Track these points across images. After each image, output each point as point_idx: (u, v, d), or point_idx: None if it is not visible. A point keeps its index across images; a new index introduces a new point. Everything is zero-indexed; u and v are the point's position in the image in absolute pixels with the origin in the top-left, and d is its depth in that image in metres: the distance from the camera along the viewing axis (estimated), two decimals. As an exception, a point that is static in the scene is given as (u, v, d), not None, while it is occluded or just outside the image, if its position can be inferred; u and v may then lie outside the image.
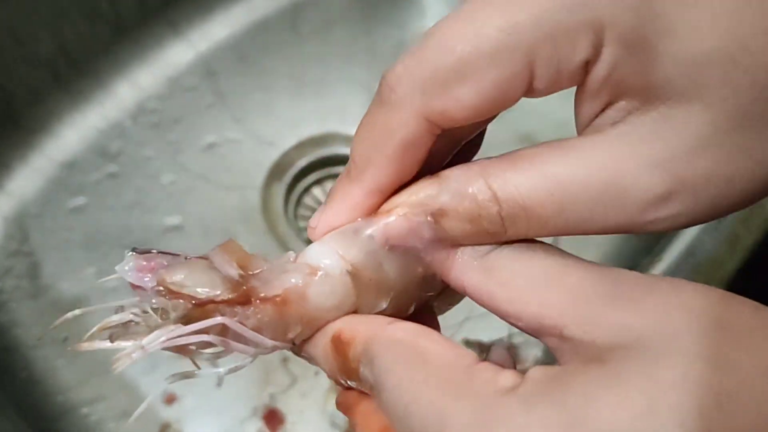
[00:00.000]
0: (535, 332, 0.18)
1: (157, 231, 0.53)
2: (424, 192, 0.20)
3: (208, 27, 0.60)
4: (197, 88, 0.59)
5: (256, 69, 0.60)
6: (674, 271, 0.34)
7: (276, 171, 0.57)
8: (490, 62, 0.17)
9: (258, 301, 0.20)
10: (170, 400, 0.48)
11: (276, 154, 0.57)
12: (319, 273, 0.20)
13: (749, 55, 0.16)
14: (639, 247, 0.46)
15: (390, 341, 0.19)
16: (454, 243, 0.20)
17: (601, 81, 0.18)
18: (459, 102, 0.18)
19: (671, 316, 0.16)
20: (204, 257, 0.21)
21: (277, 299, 0.20)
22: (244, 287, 0.20)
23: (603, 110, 0.18)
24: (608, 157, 0.18)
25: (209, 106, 0.58)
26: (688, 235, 0.35)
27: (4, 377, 0.47)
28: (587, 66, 0.18)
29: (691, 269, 0.35)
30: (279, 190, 0.56)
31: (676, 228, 0.19)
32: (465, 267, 0.20)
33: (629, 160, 0.18)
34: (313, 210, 0.56)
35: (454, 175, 0.19)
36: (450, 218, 0.19)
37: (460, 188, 0.19)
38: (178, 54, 0.59)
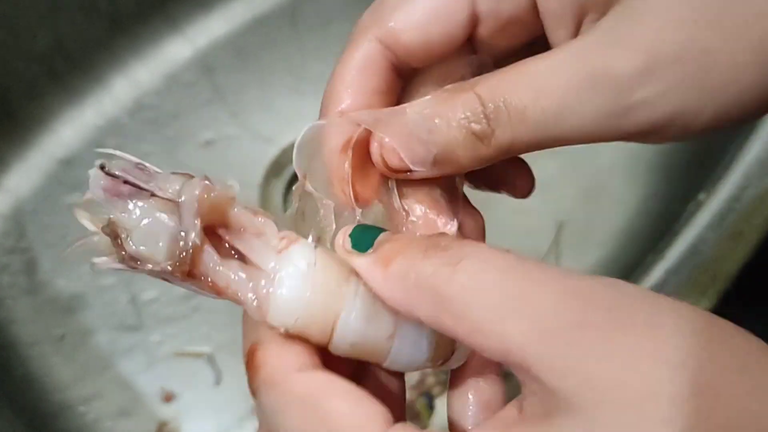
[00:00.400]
0: (504, 363, 0.17)
1: (155, 228, 0.54)
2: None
3: (206, 22, 0.60)
4: (195, 84, 0.59)
5: (254, 65, 0.60)
6: (678, 268, 0.34)
7: (275, 168, 0.57)
8: None
9: (205, 281, 0.20)
10: (168, 398, 0.48)
11: (275, 151, 0.57)
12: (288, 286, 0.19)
13: None
14: (642, 245, 0.46)
15: (289, 394, 0.18)
16: (451, 161, 0.20)
17: (557, 8, 0.19)
18: (404, 22, 0.20)
19: (643, 369, 0.15)
20: (173, 200, 0.20)
21: (227, 292, 0.20)
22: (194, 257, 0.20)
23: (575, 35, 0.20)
24: (581, 48, 0.18)
25: (207, 102, 0.59)
26: (692, 232, 0.35)
27: (1, 375, 0.47)
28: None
29: (694, 267, 0.35)
30: (278, 187, 0.57)
31: (671, 123, 0.18)
32: (414, 299, 0.18)
33: (604, 48, 0.18)
34: (312, 207, 0.57)
35: (448, 88, 0.20)
36: (442, 126, 0.19)
37: (451, 97, 0.20)
38: (176, 50, 0.59)
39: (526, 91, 0.18)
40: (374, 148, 0.20)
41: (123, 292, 0.52)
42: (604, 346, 0.15)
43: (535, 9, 0.20)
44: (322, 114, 0.22)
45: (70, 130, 0.56)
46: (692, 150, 0.51)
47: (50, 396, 0.48)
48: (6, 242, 0.52)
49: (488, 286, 0.17)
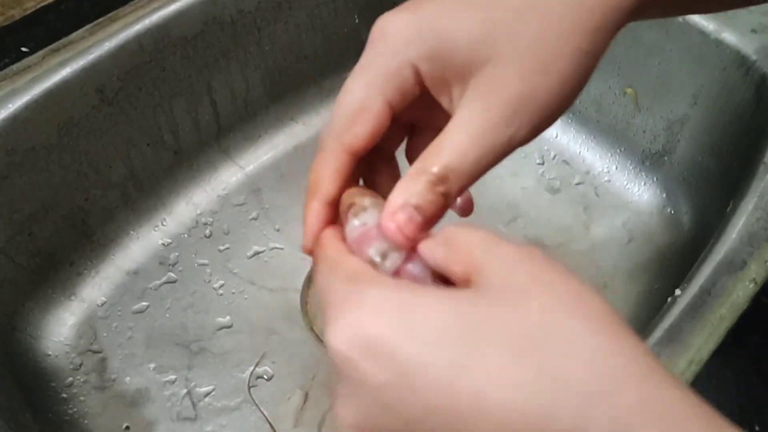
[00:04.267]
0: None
1: (210, 330, 0.60)
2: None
3: (254, 151, 0.68)
4: (244, 203, 0.66)
5: (295, 186, 0.67)
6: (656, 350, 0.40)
7: (313, 274, 0.63)
8: (364, 110, 0.28)
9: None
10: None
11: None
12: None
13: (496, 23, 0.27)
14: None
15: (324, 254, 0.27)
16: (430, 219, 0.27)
17: (435, 87, 0.28)
18: (357, 136, 0.28)
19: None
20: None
21: None
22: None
23: (451, 99, 0.28)
24: (468, 115, 0.27)
25: (254, 219, 0.65)
26: (668, 321, 0.41)
27: None
28: (419, 84, 0.28)
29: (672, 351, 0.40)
30: (316, 291, 0.62)
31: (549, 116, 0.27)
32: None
33: (480, 112, 0.26)
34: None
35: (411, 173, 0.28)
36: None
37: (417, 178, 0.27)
38: (228, 175, 0.67)
39: (453, 156, 0.27)
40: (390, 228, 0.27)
41: (181, 387, 0.57)
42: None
43: (426, 92, 0.28)
44: (309, 195, 0.29)
45: (138, 246, 0.62)
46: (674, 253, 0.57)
47: (117, 482, 0.52)
48: (80, 344, 0.58)
49: (472, 235, 0.25)
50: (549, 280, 0.23)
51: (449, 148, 0.26)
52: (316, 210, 0.29)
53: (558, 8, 0.26)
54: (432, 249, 0.26)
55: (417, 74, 0.28)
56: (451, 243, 0.25)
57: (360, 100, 0.28)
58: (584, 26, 0.27)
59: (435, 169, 0.26)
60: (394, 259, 0.26)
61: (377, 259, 0.26)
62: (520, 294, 0.22)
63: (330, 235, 0.28)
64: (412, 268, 0.26)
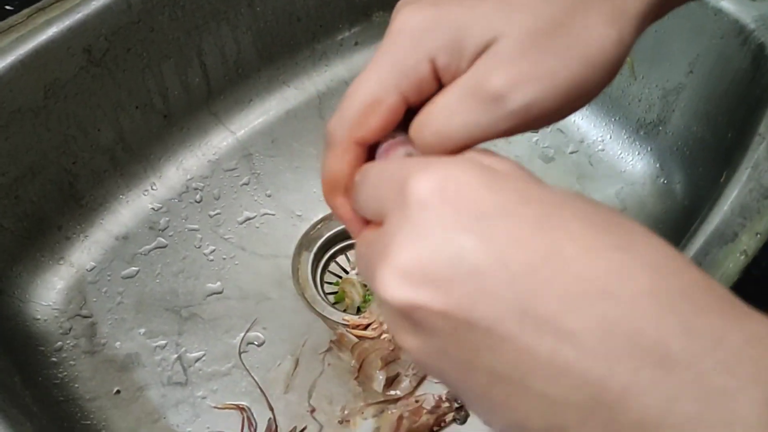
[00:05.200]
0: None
1: (200, 295, 0.60)
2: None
3: (245, 116, 0.67)
4: (236, 169, 0.65)
5: (287, 151, 0.67)
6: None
7: (305, 241, 0.63)
8: (378, 103, 0.27)
9: None
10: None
11: (305, 227, 0.63)
12: None
13: (516, 4, 0.26)
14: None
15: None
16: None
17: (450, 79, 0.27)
18: (370, 129, 0.27)
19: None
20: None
21: None
22: None
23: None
24: (459, 85, 0.26)
25: (246, 184, 0.65)
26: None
27: (66, 426, 0.51)
28: (437, 79, 0.27)
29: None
30: (307, 258, 0.62)
31: (543, 113, 0.26)
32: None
33: (473, 80, 0.26)
34: (338, 276, 0.63)
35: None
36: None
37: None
38: (219, 139, 0.66)
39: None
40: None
41: (171, 352, 0.57)
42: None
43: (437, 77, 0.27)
44: (331, 191, 0.29)
45: (127, 210, 0.62)
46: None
47: (108, 445, 0.53)
48: (70, 309, 0.57)
49: None
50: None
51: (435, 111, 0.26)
52: (346, 203, 0.28)
53: None
54: None
55: (434, 69, 0.27)
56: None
57: (375, 93, 0.27)
58: (612, 14, 0.26)
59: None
60: None
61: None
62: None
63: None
64: None
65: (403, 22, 0.27)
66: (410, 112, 0.28)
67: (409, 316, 0.21)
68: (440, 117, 0.26)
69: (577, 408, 0.20)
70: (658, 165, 0.65)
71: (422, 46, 0.26)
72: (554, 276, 0.20)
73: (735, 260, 0.44)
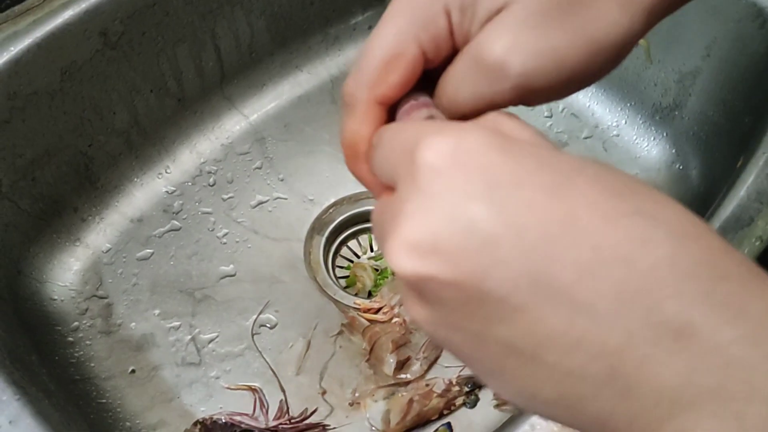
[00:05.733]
0: None
1: (213, 278, 0.60)
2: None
3: (258, 100, 0.68)
4: (248, 153, 0.66)
5: (299, 136, 0.67)
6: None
7: (317, 225, 0.63)
8: (398, 57, 0.26)
9: None
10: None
11: (317, 211, 0.63)
12: None
13: None
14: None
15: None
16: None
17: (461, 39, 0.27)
18: (391, 85, 0.27)
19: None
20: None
21: None
22: None
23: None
24: (466, 50, 0.26)
25: (258, 168, 0.65)
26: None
27: (82, 404, 0.52)
28: (452, 36, 0.27)
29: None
30: (319, 242, 0.62)
31: (541, 86, 0.25)
32: None
33: (478, 46, 0.25)
34: (349, 260, 0.63)
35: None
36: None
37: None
38: (233, 124, 0.66)
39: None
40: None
41: (185, 333, 0.58)
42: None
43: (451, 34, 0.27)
44: (353, 156, 0.28)
45: (141, 193, 0.62)
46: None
47: (123, 423, 0.53)
48: (86, 290, 0.58)
49: None
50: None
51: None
52: (368, 168, 0.27)
53: None
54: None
55: (450, 24, 0.26)
56: (504, 132, 0.24)
57: (394, 47, 0.26)
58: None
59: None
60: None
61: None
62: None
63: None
64: None
65: None
66: (428, 77, 0.28)
67: (420, 288, 0.21)
68: (451, 85, 0.26)
69: (594, 379, 0.20)
70: (673, 150, 0.64)
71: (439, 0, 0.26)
72: (570, 245, 0.19)
73: (751, 245, 0.44)
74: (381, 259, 0.62)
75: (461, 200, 0.20)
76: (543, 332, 0.20)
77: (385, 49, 0.26)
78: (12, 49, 0.52)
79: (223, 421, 0.52)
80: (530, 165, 0.21)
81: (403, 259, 0.21)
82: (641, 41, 0.62)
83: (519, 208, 0.20)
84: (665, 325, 0.19)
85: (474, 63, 0.25)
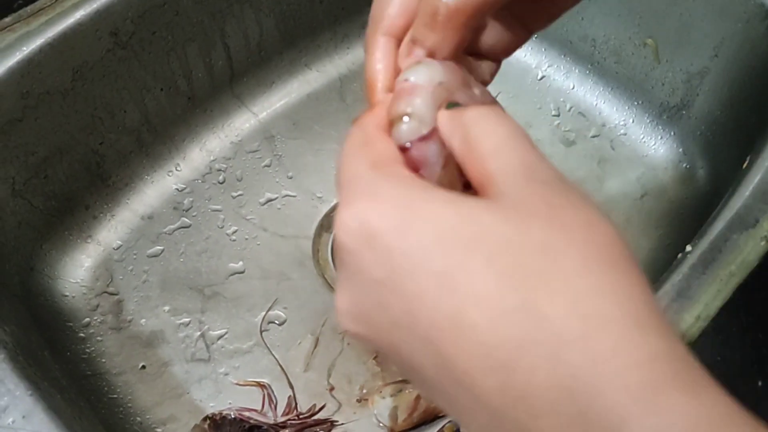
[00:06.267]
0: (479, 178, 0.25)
1: (223, 274, 0.61)
2: None
3: (267, 98, 0.68)
4: (258, 150, 0.66)
5: (308, 134, 0.67)
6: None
7: (325, 223, 0.63)
8: None
9: None
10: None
11: (325, 208, 0.64)
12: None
13: None
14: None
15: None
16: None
17: None
18: (391, 16, 0.29)
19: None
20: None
21: None
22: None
23: None
24: None
25: (268, 166, 0.66)
26: (677, 277, 0.41)
27: (93, 399, 0.53)
28: None
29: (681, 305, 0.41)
30: (327, 239, 0.63)
31: None
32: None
33: None
34: (358, 257, 0.63)
35: None
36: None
37: None
38: (242, 121, 0.67)
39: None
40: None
41: (195, 330, 0.58)
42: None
43: None
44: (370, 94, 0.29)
45: (152, 190, 0.63)
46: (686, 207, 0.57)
47: (133, 418, 0.53)
48: (97, 286, 0.59)
49: (490, 137, 0.24)
50: (561, 204, 0.22)
51: None
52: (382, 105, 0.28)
53: None
54: (450, 133, 0.25)
55: None
56: (468, 140, 0.24)
57: None
58: None
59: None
60: (413, 128, 0.25)
61: (405, 119, 0.26)
62: (526, 216, 0.21)
63: (372, 114, 0.27)
64: (426, 147, 0.25)
65: None
66: None
67: (356, 336, 0.25)
68: None
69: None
70: (680, 150, 0.64)
71: None
72: (459, 342, 0.21)
73: (755, 245, 0.44)
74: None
75: (369, 282, 0.23)
76: (446, 400, 0.22)
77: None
78: (24, 48, 0.52)
79: (233, 416, 0.52)
80: (425, 252, 0.21)
81: (341, 320, 0.25)
82: (649, 41, 0.62)
83: (412, 297, 0.21)
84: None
85: None
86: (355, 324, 0.24)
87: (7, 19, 0.53)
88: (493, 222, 0.21)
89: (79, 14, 0.54)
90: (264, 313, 0.59)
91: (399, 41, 0.28)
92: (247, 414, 0.53)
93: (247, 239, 0.62)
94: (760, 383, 0.40)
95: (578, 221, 0.21)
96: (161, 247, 0.62)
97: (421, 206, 0.22)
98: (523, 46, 0.32)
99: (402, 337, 0.22)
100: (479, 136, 0.24)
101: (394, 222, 0.22)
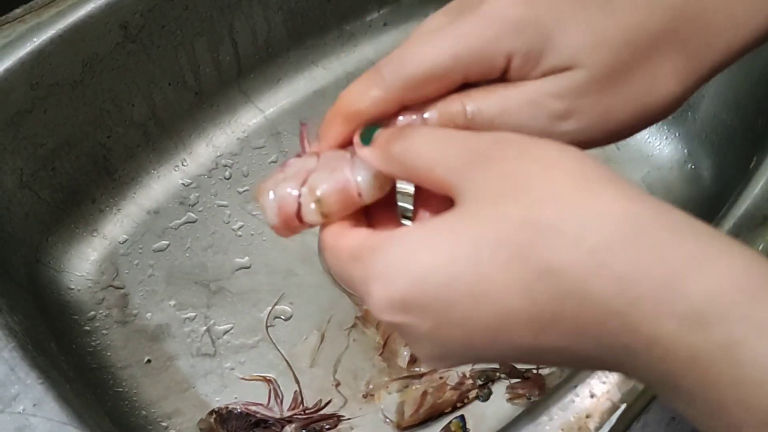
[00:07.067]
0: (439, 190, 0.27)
1: (228, 270, 0.61)
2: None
3: (274, 95, 0.68)
4: (264, 147, 0.66)
5: (314, 132, 0.67)
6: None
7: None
8: (437, 79, 0.27)
9: None
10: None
11: None
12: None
13: (603, 40, 0.26)
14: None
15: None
16: None
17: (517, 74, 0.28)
18: (421, 95, 0.28)
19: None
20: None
21: None
22: None
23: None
24: (528, 91, 0.27)
25: (274, 162, 0.66)
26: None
27: (99, 392, 0.53)
28: (505, 70, 0.27)
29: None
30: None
31: (582, 140, 0.27)
32: (392, 167, 0.28)
33: (541, 95, 0.27)
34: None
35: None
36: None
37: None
38: (248, 117, 0.67)
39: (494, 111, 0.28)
40: None
41: (200, 324, 0.58)
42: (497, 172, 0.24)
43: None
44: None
45: (158, 185, 0.63)
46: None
47: (139, 412, 0.53)
48: (102, 280, 0.59)
49: (428, 154, 0.26)
50: (516, 172, 0.24)
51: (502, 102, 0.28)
52: (341, 135, 0.30)
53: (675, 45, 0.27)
54: (392, 169, 0.27)
55: (507, 66, 0.27)
56: (408, 168, 0.26)
57: (444, 66, 0.27)
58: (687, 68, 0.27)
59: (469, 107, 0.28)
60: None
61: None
62: (499, 199, 0.24)
63: (329, 234, 0.29)
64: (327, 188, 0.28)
65: (498, 8, 0.27)
66: None
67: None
68: (505, 114, 0.27)
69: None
70: (685, 150, 0.65)
71: (506, 42, 0.26)
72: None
73: (765, 243, 0.44)
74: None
75: (428, 335, 0.25)
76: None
77: (435, 62, 0.27)
78: (35, 40, 0.52)
79: (239, 410, 0.52)
80: (448, 278, 0.24)
81: (432, 365, 0.29)
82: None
83: (464, 319, 0.24)
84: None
85: (531, 103, 0.27)
86: (442, 361, 0.26)
87: (18, 11, 0.53)
88: (477, 227, 0.23)
89: (89, 6, 0.54)
90: (270, 308, 0.59)
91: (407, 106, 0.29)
92: (253, 408, 0.53)
93: (252, 235, 0.62)
94: None
95: (542, 164, 0.24)
96: (167, 242, 0.62)
97: (418, 256, 0.24)
98: None
99: (476, 350, 0.25)
100: (413, 162, 0.26)
101: (407, 283, 0.24)
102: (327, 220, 0.29)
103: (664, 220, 0.22)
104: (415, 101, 0.28)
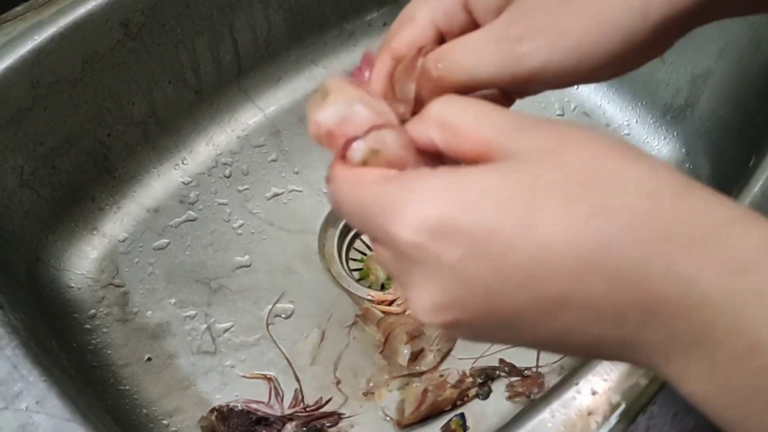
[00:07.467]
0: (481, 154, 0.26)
1: (229, 268, 0.61)
2: None
3: (274, 94, 0.68)
4: (264, 145, 0.66)
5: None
6: None
7: (331, 218, 0.64)
8: (411, 19, 0.31)
9: None
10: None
11: None
12: None
13: None
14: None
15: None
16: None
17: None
18: (400, 38, 0.31)
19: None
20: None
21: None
22: None
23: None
24: (489, 28, 0.28)
25: (274, 161, 0.66)
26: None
27: (100, 390, 0.53)
28: (467, 12, 0.30)
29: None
30: (333, 234, 0.63)
31: (550, 64, 0.27)
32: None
33: (499, 25, 0.28)
34: (362, 253, 0.64)
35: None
36: None
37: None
38: (248, 116, 0.67)
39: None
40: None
41: (201, 322, 0.58)
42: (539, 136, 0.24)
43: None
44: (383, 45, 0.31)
45: (158, 184, 0.63)
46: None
47: (139, 410, 0.53)
48: (102, 278, 0.59)
49: (466, 113, 0.25)
50: (569, 136, 0.24)
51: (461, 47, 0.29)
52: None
53: None
54: (423, 130, 0.26)
55: (470, 13, 0.30)
56: (447, 125, 0.25)
57: (411, 13, 0.31)
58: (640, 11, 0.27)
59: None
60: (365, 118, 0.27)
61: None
62: (552, 152, 0.23)
63: (341, 164, 0.28)
64: (394, 144, 0.26)
65: None
66: None
67: (450, 325, 0.25)
68: (465, 53, 0.28)
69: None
70: (684, 150, 0.65)
71: None
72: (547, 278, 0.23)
73: (762, 242, 0.44)
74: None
75: (449, 266, 0.23)
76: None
77: (404, 15, 0.31)
78: (36, 37, 0.52)
79: (240, 408, 0.52)
80: (490, 214, 0.23)
81: (429, 317, 0.25)
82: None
83: (497, 254, 0.23)
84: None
85: (494, 40, 0.28)
86: (447, 313, 0.24)
87: (19, 8, 0.53)
88: (534, 168, 0.23)
89: (90, 4, 0.54)
90: (270, 306, 0.59)
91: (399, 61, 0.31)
92: (254, 406, 0.53)
93: (253, 233, 0.63)
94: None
95: (590, 138, 0.24)
96: (167, 240, 0.62)
97: (464, 182, 0.23)
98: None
99: (500, 296, 0.23)
100: (456, 117, 0.25)
101: (449, 203, 0.23)
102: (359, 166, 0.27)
103: (707, 188, 0.23)
104: (405, 52, 0.31)
